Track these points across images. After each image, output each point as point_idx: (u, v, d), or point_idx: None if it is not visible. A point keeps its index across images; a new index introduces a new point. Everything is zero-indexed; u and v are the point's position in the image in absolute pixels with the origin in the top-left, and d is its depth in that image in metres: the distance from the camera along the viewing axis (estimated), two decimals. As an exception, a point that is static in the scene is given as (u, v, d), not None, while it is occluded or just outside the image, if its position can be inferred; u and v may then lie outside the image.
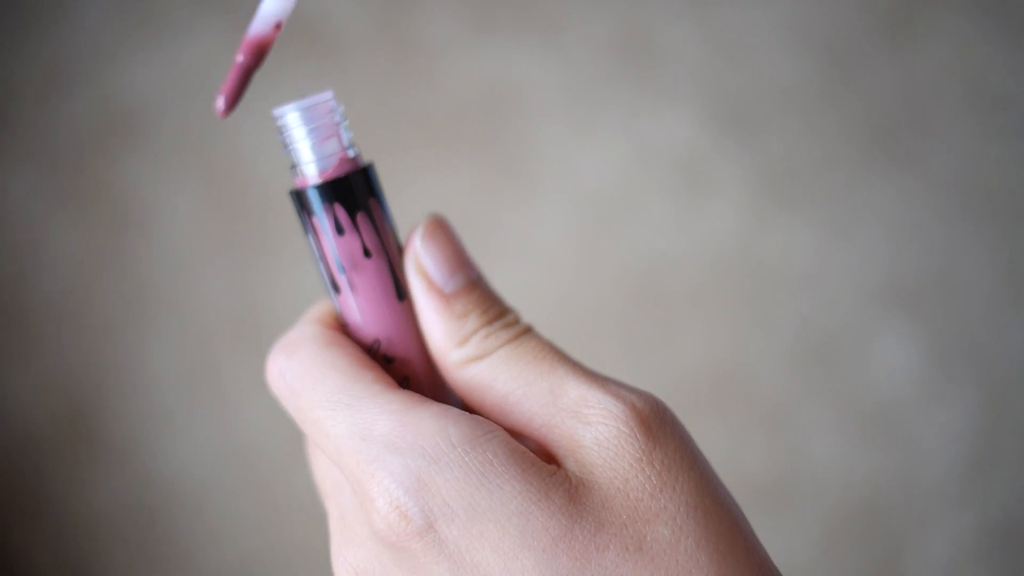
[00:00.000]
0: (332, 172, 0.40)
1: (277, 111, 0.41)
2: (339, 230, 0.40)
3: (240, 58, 0.36)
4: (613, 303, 1.20)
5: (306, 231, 0.41)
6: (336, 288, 0.40)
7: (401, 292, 0.40)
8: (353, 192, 0.40)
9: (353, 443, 0.35)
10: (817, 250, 1.21)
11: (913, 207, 1.22)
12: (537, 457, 0.35)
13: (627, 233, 1.21)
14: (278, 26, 0.36)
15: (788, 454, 1.20)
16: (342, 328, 0.41)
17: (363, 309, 0.40)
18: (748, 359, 1.21)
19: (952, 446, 1.22)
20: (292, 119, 0.41)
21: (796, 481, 1.21)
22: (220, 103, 0.36)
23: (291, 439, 1.15)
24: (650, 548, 0.33)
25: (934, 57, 1.23)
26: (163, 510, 1.17)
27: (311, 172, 0.40)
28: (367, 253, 0.40)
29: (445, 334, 0.39)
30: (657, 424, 0.36)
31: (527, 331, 0.39)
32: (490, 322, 0.39)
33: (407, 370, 0.40)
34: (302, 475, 1.16)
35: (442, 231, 0.42)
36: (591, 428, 0.35)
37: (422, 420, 0.35)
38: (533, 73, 1.20)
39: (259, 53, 0.35)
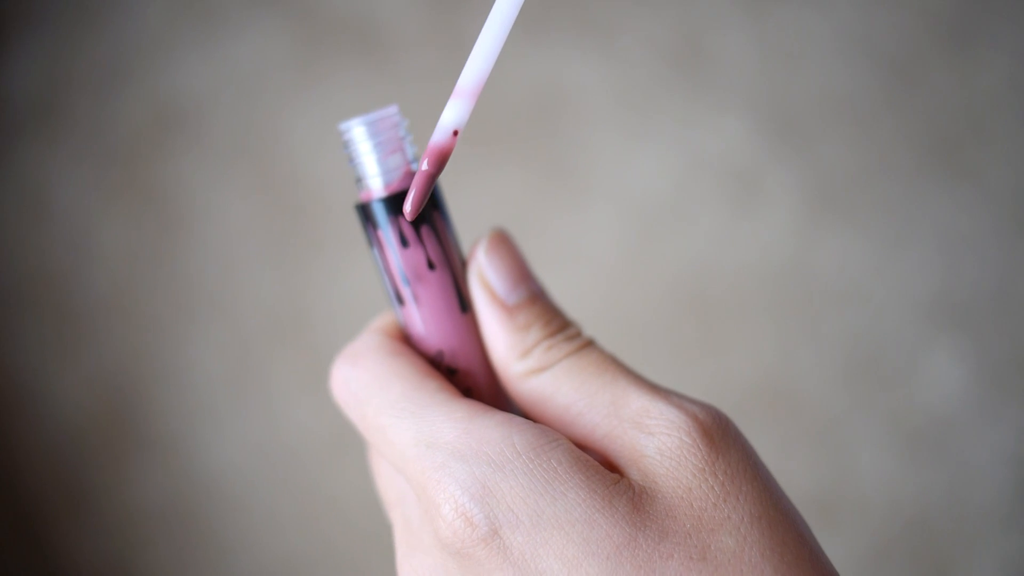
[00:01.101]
0: (397, 185, 0.41)
1: (343, 125, 0.41)
2: (404, 243, 0.40)
3: (425, 166, 0.37)
4: (662, 312, 1.19)
5: (371, 244, 0.41)
6: (400, 300, 0.41)
7: (464, 304, 0.41)
8: None
9: (418, 450, 0.36)
10: (869, 262, 1.20)
11: (968, 220, 1.20)
12: (601, 466, 0.35)
13: (677, 242, 1.20)
14: (455, 133, 0.37)
15: (836, 470, 1.19)
16: (406, 339, 0.41)
17: (427, 320, 0.41)
18: (797, 372, 1.19)
19: (1003, 467, 1.20)
20: (358, 133, 0.41)
21: (843, 497, 1.19)
22: (407, 207, 0.38)
23: (333, 440, 1.15)
24: (714, 557, 0.33)
25: (994, 68, 1.21)
26: (204, 507, 1.17)
27: (376, 186, 0.41)
28: (431, 265, 0.41)
29: (508, 345, 0.39)
30: (719, 435, 0.36)
31: (589, 343, 0.40)
32: (552, 334, 0.39)
33: (470, 381, 0.41)
34: (343, 476, 1.16)
35: (505, 245, 0.42)
36: (654, 438, 0.36)
37: (487, 428, 0.35)
38: (585, 78, 1.20)
39: (441, 161, 0.36)
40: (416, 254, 0.40)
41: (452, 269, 0.41)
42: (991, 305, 1.21)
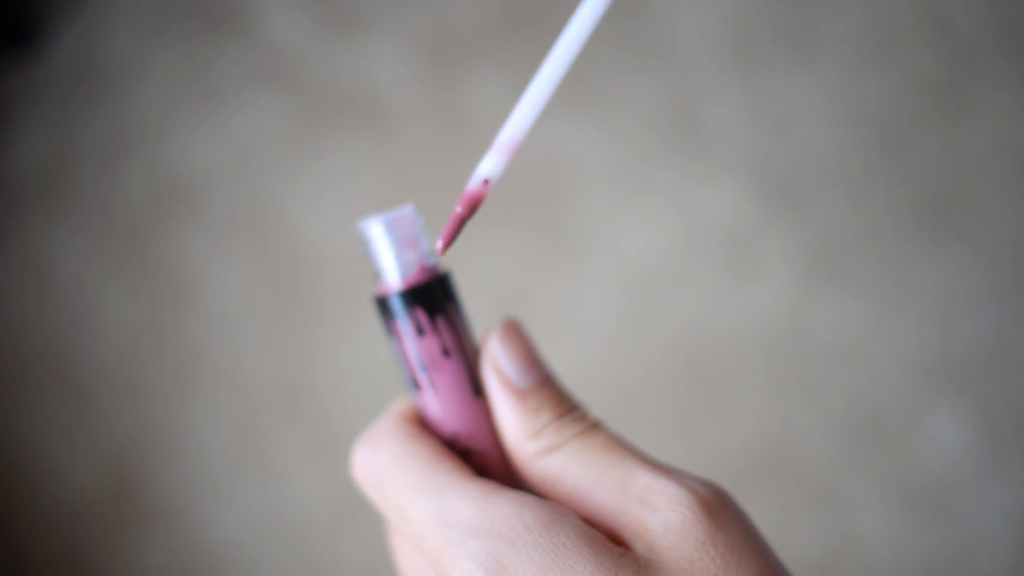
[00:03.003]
0: (414, 279, 0.43)
1: (362, 224, 0.44)
2: (420, 332, 0.43)
3: (458, 209, 0.39)
4: (661, 378, 1.19)
5: (389, 334, 0.43)
6: (417, 385, 0.43)
7: (478, 388, 0.43)
8: (433, 297, 0.43)
9: (435, 527, 0.38)
10: (866, 325, 1.20)
11: (963, 282, 1.21)
12: (607, 540, 0.37)
13: (674, 307, 1.20)
14: (486, 182, 0.40)
15: (837, 533, 1.18)
16: (422, 422, 0.43)
17: (442, 405, 0.43)
18: (797, 435, 1.19)
19: (1007, 526, 1.20)
20: (376, 231, 0.43)
21: (845, 561, 1.19)
22: (439, 244, 0.40)
23: (336, 512, 1.15)
24: None
25: (982, 130, 1.22)
26: (208, 580, 1.16)
27: (394, 279, 0.43)
28: (446, 353, 0.43)
29: (520, 427, 0.41)
30: (720, 509, 0.38)
31: (596, 425, 0.41)
32: (561, 416, 0.41)
33: (484, 462, 0.43)
34: (347, 549, 1.15)
35: (516, 332, 0.44)
36: (659, 513, 0.37)
37: (500, 506, 0.37)
38: (581, 146, 1.21)
39: (472, 205, 0.39)
40: (432, 342, 0.43)
41: (466, 356, 0.43)
42: (989, 364, 1.21)
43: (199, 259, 1.17)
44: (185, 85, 1.21)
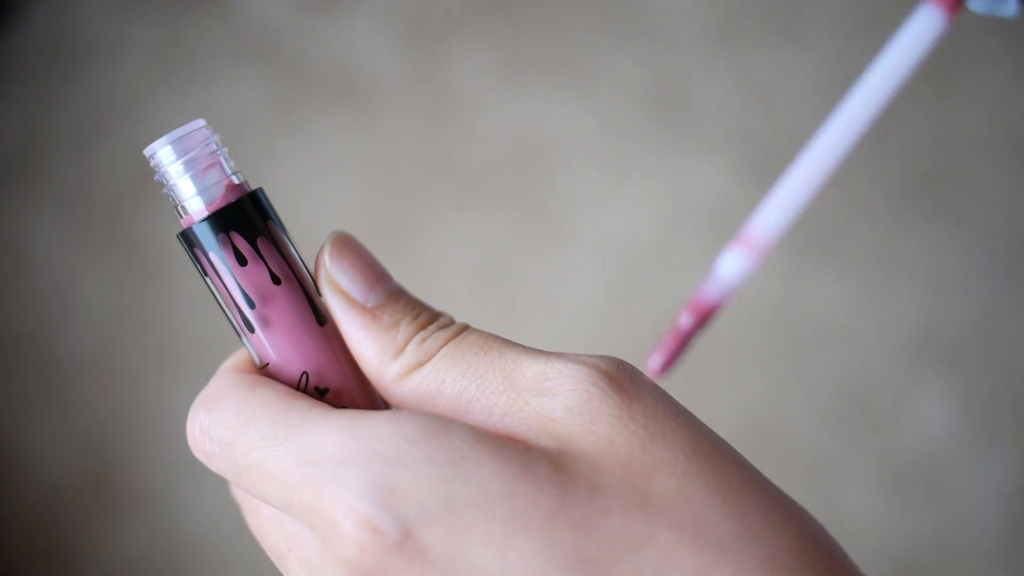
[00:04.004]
0: (221, 201, 0.37)
1: (148, 149, 0.37)
2: (241, 261, 0.37)
3: (686, 321, 0.31)
4: (645, 353, 1.18)
5: (204, 273, 0.38)
6: (249, 327, 0.37)
7: (320, 317, 0.37)
8: (249, 218, 0.37)
9: (301, 472, 0.32)
10: (855, 304, 1.20)
11: (953, 260, 1.21)
12: (509, 438, 0.32)
13: (661, 285, 1.19)
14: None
15: (825, 512, 1.18)
16: (263, 373, 0.38)
17: (283, 343, 0.37)
18: (785, 414, 1.19)
19: (993, 504, 1.19)
20: (166, 154, 0.37)
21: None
22: (657, 364, 0.31)
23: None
24: (657, 501, 0.30)
25: (972, 108, 1.21)
26: (188, 563, 1.16)
27: (197, 207, 0.37)
28: (276, 280, 0.37)
29: (378, 349, 0.36)
30: (627, 380, 0.33)
31: (466, 327, 0.36)
32: (424, 326, 0.36)
33: (344, 399, 0.37)
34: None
35: (350, 246, 0.38)
36: (558, 398, 0.32)
37: (373, 426, 0.32)
38: (567, 122, 1.20)
39: (706, 318, 0.31)
40: (257, 271, 0.37)
41: (301, 281, 0.37)
42: (978, 342, 1.20)
43: (177, 240, 1.16)
44: (163, 61, 1.19)
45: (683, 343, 0.30)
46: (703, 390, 1.18)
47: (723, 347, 1.19)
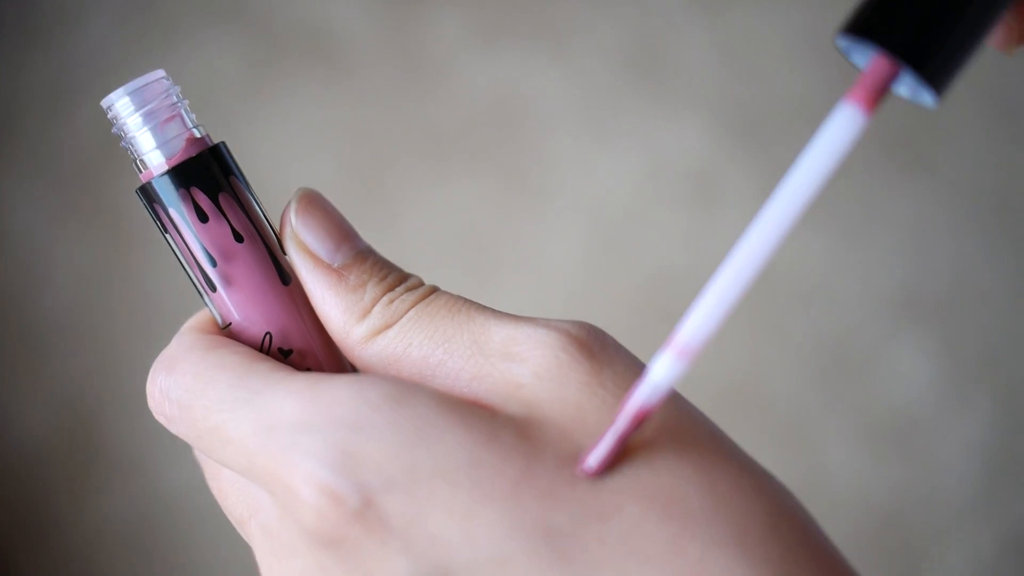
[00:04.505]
0: (182, 155, 0.36)
1: (105, 100, 0.36)
2: (202, 217, 0.36)
3: (621, 424, 0.30)
4: (624, 315, 1.18)
5: (164, 230, 0.37)
6: (211, 286, 0.36)
7: (285, 276, 0.36)
8: (211, 172, 0.36)
9: (260, 437, 0.31)
10: (831, 261, 1.20)
11: (928, 216, 1.21)
12: (475, 405, 0.31)
13: (638, 245, 1.19)
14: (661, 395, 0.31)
15: (803, 467, 1.19)
16: (226, 334, 0.36)
17: (245, 303, 0.36)
18: (762, 372, 1.19)
19: (970, 458, 1.20)
20: (123, 106, 0.36)
21: (811, 495, 1.19)
22: (593, 463, 0.30)
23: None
24: (626, 471, 0.29)
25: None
26: (168, 526, 1.16)
27: (157, 160, 0.36)
28: (239, 238, 0.36)
29: (343, 310, 0.35)
30: (598, 345, 0.32)
31: (434, 289, 0.35)
32: (391, 287, 0.35)
33: (308, 360, 0.36)
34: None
35: (317, 204, 0.36)
36: (527, 364, 0.31)
37: (334, 391, 0.31)
38: (543, 84, 1.19)
39: (640, 423, 0.30)
40: (219, 228, 0.36)
41: (264, 239, 0.36)
42: (955, 297, 1.21)
43: (153, 203, 1.15)
44: (135, 24, 1.18)
45: (619, 444, 0.29)
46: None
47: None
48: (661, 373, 0.30)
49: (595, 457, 0.29)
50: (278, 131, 1.17)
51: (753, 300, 1.19)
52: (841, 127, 0.30)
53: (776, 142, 1.20)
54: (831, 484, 1.20)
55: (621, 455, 0.30)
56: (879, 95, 0.29)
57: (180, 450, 1.18)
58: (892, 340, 1.20)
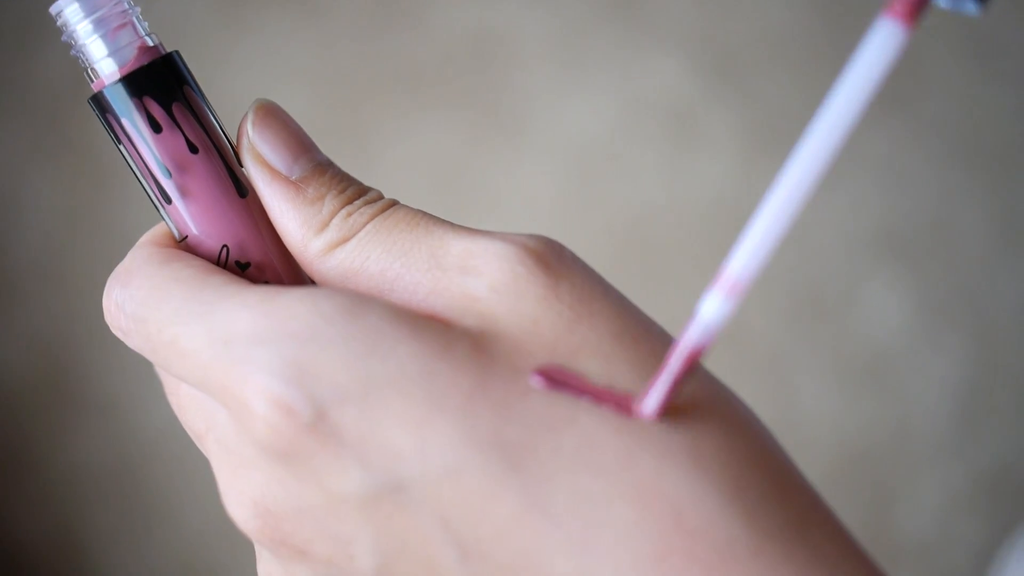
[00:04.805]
0: (133, 63, 0.35)
1: (55, 7, 0.35)
2: (155, 127, 0.35)
3: (674, 368, 0.29)
4: (600, 254, 1.18)
5: (117, 141, 0.36)
6: (166, 198, 0.36)
7: (241, 188, 0.36)
8: (164, 81, 0.35)
9: (214, 351, 0.31)
10: (807, 199, 1.20)
11: (905, 153, 1.21)
12: (429, 318, 0.31)
13: (615, 183, 1.19)
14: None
15: (778, 403, 1.20)
16: (182, 247, 0.36)
17: (201, 215, 0.35)
18: (739, 309, 1.20)
19: (944, 395, 1.21)
20: (73, 12, 0.35)
21: (785, 433, 1.20)
22: (650, 407, 0.29)
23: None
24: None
25: (927, 1, 1.21)
26: (147, 467, 1.16)
27: (108, 69, 0.35)
28: (193, 149, 0.35)
29: (301, 223, 0.34)
30: (555, 259, 0.32)
31: (394, 203, 0.35)
32: (350, 200, 0.34)
33: (267, 274, 0.36)
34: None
35: (275, 115, 0.36)
36: (483, 277, 0.31)
37: (287, 304, 0.31)
38: (519, 20, 1.18)
39: (693, 365, 0.30)
40: (173, 138, 0.35)
41: (220, 150, 0.36)
42: (929, 237, 1.21)
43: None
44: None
45: (674, 387, 0.29)
46: (657, 285, 1.18)
47: (677, 243, 1.19)
48: (711, 312, 0.30)
49: (651, 402, 0.29)
50: (252, 67, 1.16)
51: (730, 238, 1.19)
52: (881, 45, 0.28)
53: (754, 79, 1.19)
54: (805, 421, 1.21)
55: (671, 401, 0.30)
56: (920, 7, 0.28)
57: (157, 390, 1.18)
58: (867, 278, 1.21)
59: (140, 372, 1.14)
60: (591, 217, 1.19)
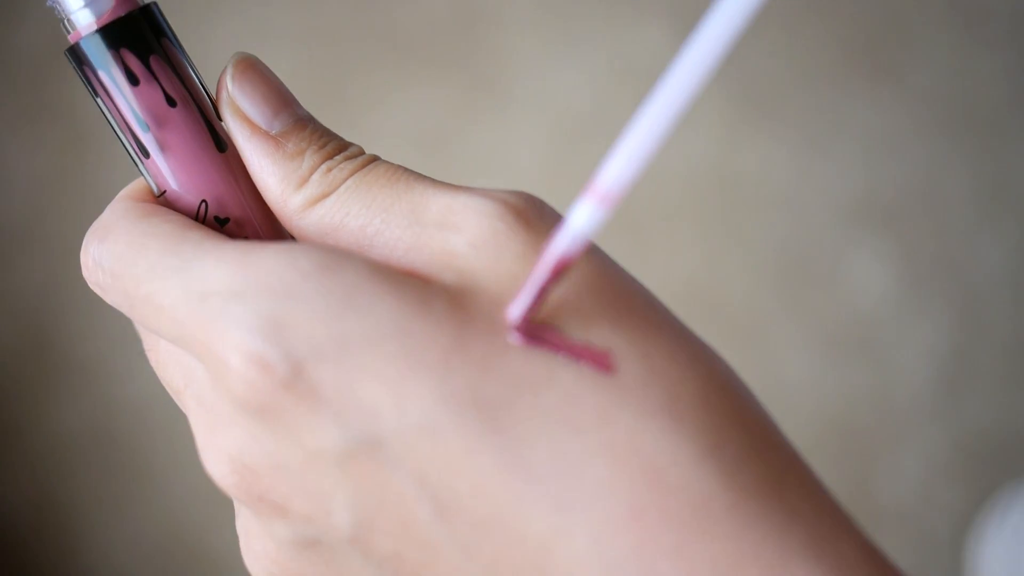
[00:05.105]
0: (111, 14, 0.35)
1: None
2: (132, 80, 0.35)
3: (540, 274, 0.29)
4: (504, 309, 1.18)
5: (94, 94, 0.35)
6: (144, 152, 0.35)
7: (221, 143, 0.35)
8: (141, 32, 0.35)
9: (190, 306, 0.30)
10: (793, 166, 1.20)
11: (891, 122, 1.21)
12: (407, 274, 0.31)
13: (601, 150, 1.19)
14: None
15: (762, 371, 1.20)
16: (160, 201, 0.36)
17: (180, 169, 0.35)
18: (722, 277, 1.20)
19: (926, 363, 1.22)
20: None
21: (769, 399, 1.21)
22: (514, 315, 0.29)
23: (260, 360, 1.14)
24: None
25: (914, -32, 1.21)
26: (130, 433, 1.16)
27: (85, 20, 0.35)
28: (171, 102, 0.35)
29: (280, 178, 0.34)
30: (536, 215, 0.32)
31: (375, 159, 0.35)
32: (330, 156, 0.34)
33: (246, 229, 0.35)
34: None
35: (255, 69, 0.36)
36: (463, 233, 0.31)
37: (264, 260, 0.30)
38: (504, -15, 1.17)
39: (562, 273, 0.29)
40: (151, 91, 0.35)
41: (199, 104, 0.35)
42: (913, 205, 1.22)
43: (108, 105, 1.13)
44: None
45: (540, 296, 0.29)
46: (641, 252, 1.18)
47: (661, 210, 1.19)
48: (582, 220, 0.29)
49: (515, 310, 0.29)
50: (233, 23, 1.15)
51: (714, 206, 1.20)
52: None
53: (742, 44, 1.19)
54: (787, 389, 1.21)
55: (542, 310, 0.29)
56: None
57: (140, 356, 1.17)
58: (851, 247, 1.21)
59: (123, 338, 1.14)
60: (576, 184, 1.19)
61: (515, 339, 0.29)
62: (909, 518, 1.22)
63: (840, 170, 1.20)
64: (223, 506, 1.18)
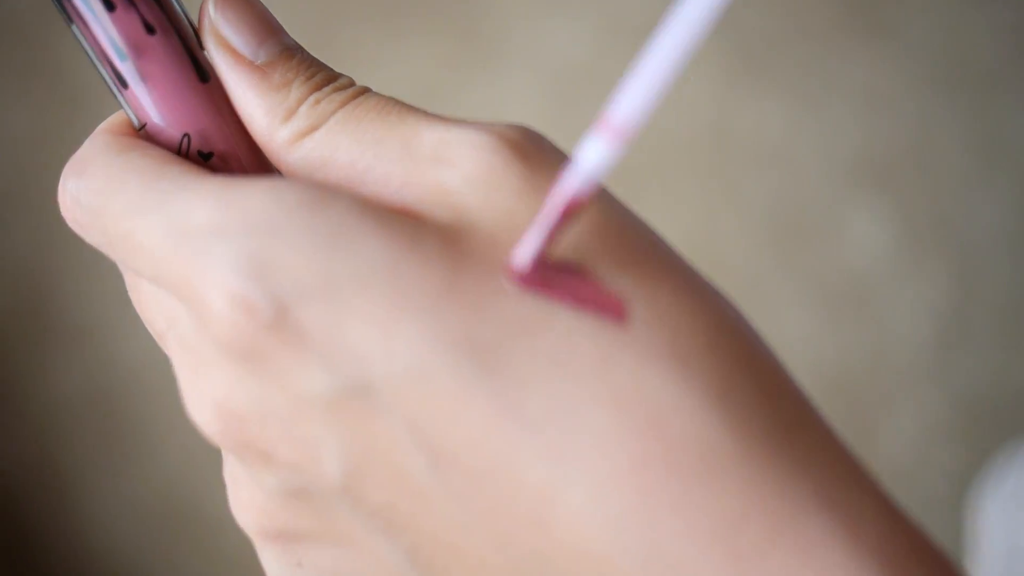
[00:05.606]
0: None
1: None
2: (109, 5, 0.33)
3: (550, 217, 0.27)
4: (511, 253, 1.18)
5: (69, 20, 0.34)
6: (122, 82, 0.34)
7: (203, 73, 0.34)
8: None
9: (170, 243, 0.29)
10: (788, 123, 1.19)
11: (886, 79, 1.20)
12: (397, 212, 0.29)
13: (595, 106, 1.18)
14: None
15: (759, 329, 1.20)
16: (141, 135, 0.34)
17: (160, 100, 0.33)
18: (719, 235, 1.19)
19: (922, 322, 1.22)
20: None
21: (766, 358, 1.21)
22: (521, 259, 0.27)
23: (254, 322, 1.14)
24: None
25: (913, -78, 1.19)
26: (125, 395, 1.15)
27: None
28: (150, 29, 0.33)
29: (266, 110, 0.32)
30: (534, 149, 0.30)
31: (365, 90, 0.33)
32: (318, 87, 0.33)
33: (231, 164, 0.34)
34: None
35: None
36: (457, 168, 0.29)
37: (248, 196, 0.29)
38: (498, -60, 1.16)
39: (573, 215, 0.27)
40: (128, 17, 0.33)
41: (179, 31, 0.33)
42: (909, 163, 1.21)
43: (97, 64, 1.12)
44: None
45: (549, 239, 0.27)
46: (637, 210, 1.18)
47: (657, 167, 1.18)
48: (593, 157, 0.27)
49: (522, 253, 0.27)
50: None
51: (710, 163, 1.19)
52: None
53: (738, 1, 1.18)
54: (784, 347, 1.21)
55: (550, 256, 0.28)
56: None
57: (135, 318, 1.17)
58: (847, 205, 1.20)
59: (116, 300, 1.14)
60: (571, 141, 1.18)
61: (516, 286, 0.28)
62: (906, 477, 1.22)
63: (835, 127, 1.20)
64: (219, 467, 1.18)
